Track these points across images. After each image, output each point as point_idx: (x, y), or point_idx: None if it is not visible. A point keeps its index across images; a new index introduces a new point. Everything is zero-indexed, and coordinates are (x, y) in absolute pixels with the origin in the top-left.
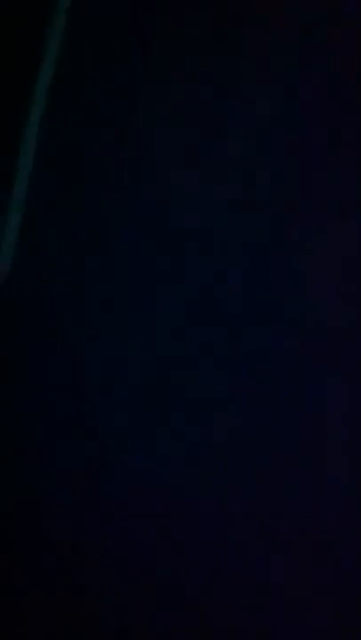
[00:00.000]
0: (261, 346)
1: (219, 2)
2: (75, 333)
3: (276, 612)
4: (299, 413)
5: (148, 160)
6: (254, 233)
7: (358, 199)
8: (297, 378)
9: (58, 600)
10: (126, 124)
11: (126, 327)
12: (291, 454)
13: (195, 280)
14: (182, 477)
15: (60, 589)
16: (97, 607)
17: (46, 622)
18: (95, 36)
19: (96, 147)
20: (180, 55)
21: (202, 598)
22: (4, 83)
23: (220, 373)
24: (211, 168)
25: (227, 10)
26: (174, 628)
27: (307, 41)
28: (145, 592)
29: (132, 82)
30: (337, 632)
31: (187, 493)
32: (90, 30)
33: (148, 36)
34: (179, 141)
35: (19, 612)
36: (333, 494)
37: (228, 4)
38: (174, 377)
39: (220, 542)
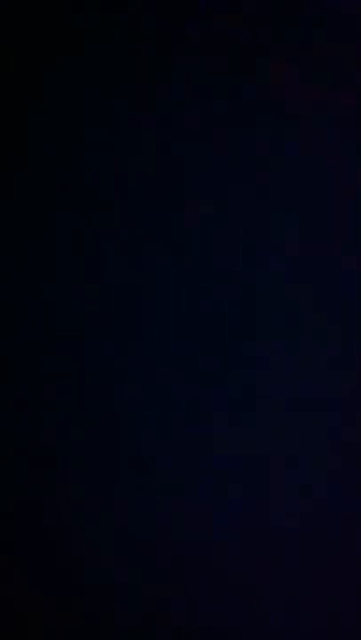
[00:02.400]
0: (260, 349)
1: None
2: (74, 333)
3: (276, 613)
4: (298, 414)
5: (147, 161)
6: (254, 235)
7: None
8: (296, 380)
9: (58, 600)
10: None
11: (128, 326)
12: (290, 454)
13: (195, 282)
14: (183, 476)
15: (60, 589)
16: (97, 607)
17: (46, 622)
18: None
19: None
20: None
21: (203, 599)
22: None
23: (220, 374)
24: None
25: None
26: (175, 627)
27: (307, 41)
28: (145, 592)
29: (132, 81)
30: (337, 632)
31: (187, 492)
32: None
33: (148, 37)
34: (179, 141)
35: (19, 612)
36: (334, 496)
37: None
38: (174, 377)
39: (220, 541)
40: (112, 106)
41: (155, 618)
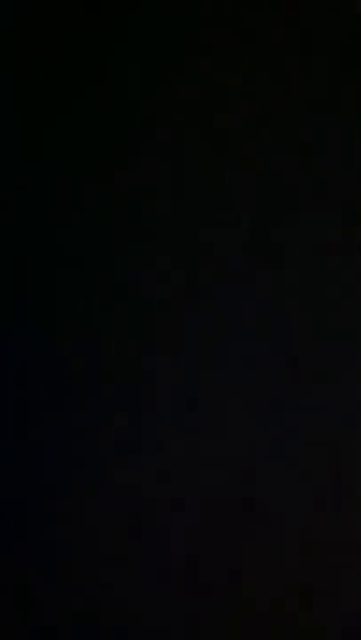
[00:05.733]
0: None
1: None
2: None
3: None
4: (299, 414)
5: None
6: (253, 233)
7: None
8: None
9: (59, 600)
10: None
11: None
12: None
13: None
14: (181, 475)
15: (62, 590)
16: (97, 607)
17: (46, 622)
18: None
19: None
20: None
21: (205, 601)
22: None
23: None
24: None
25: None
26: (176, 627)
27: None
28: (146, 592)
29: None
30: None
31: (187, 491)
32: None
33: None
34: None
35: (19, 612)
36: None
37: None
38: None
39: (221, 538)
40: None
41: (154, 618)
